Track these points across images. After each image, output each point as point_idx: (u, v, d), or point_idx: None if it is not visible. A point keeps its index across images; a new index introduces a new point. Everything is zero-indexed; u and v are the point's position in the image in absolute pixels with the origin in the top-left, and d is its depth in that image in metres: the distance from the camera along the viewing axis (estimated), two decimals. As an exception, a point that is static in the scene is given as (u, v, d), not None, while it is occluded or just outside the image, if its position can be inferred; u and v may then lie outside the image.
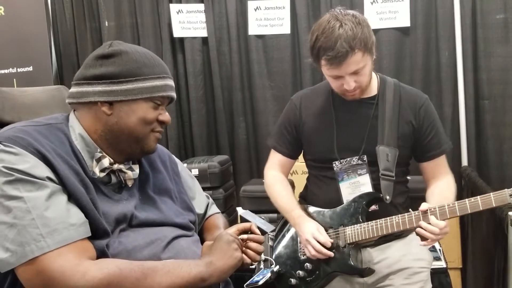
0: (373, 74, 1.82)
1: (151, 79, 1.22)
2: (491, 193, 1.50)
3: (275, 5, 3.28)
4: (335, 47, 1.57)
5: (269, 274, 1.48)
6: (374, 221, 1.67)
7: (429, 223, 1.54)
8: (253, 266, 1.46)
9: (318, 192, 1.87)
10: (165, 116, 1.27)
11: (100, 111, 1.20)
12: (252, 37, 3.32)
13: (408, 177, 1.90)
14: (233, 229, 1.39)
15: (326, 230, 1.74)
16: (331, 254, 1.66)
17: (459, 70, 3.02)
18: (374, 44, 1.68)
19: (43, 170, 1.07)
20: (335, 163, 1.78)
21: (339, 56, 1.57)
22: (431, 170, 1.82)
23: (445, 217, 1.55)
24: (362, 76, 1.67)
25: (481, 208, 1.50)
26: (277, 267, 1.76)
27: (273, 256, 1.82)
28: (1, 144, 1.08)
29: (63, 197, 1.07)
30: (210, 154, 3.36)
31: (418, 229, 1.57)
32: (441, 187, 1.77)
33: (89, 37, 3.55)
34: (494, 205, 1.49)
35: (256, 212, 2.11)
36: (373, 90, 1.81)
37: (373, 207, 1.76)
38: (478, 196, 1.51)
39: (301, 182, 2.01)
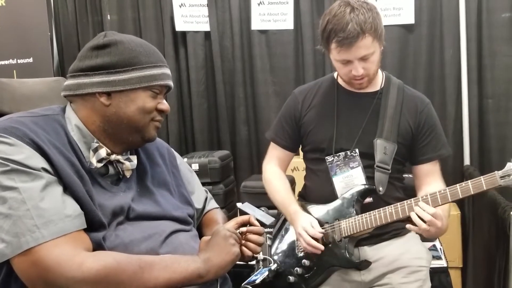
0: (379, 70, 1.83)
1: (149, 67, 1.21)
2: (482, 177, 1.49)
3: (279, 0, 3.26)
4: (347, 29, 1.59)
5: (266, 273, 1.48)
6: (367, 213, 1.67)
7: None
8: (253, 262, 1.44)
9: (314, 188, 1.87)
10: (164, 104, 1.27)
11: (98, 102, 1.19)
12: (255, 32, 3.30)
13: (405, 175, 1.89)
14: (232, 223, 1.38)
15: (322, 225, 1.73)
16: (321, 247, 1.66)
17: (463, 68, 3.00)
18: (384, 34, 1.69)
19: (38, 161, 1.05)
20: (327, 158, 1.78)
21: (350, 38, 1.59)
22: (424, 175, 1.80)
23: (437, 203, 1.54)
24: (370, 63, 1.68)
25: (472, 192, 1.49)
26: (275, 265, 1.75)
27: (272, 255, 1.82)
28: None
29: (59, 188, 1.06)
30: (211, 149, 3.35)
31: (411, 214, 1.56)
32: (432, 188, 1.71)
33: (91, 31, 3.55)
34: (485, 188, 1.48)
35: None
36: (378, 85, 1.83)
37: (368, 200, 1.76)
38: (469, 180, 1.50)
39: (302, 178, 2.00)
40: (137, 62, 1.20)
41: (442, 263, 2.29)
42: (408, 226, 1.58)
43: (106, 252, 1.09)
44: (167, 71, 1.27)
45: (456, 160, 3.01)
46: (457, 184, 1.52)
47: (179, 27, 3.36)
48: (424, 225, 1.52)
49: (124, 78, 1.18)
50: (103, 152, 1.19)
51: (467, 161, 3.01)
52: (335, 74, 1.88)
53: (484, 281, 2.47)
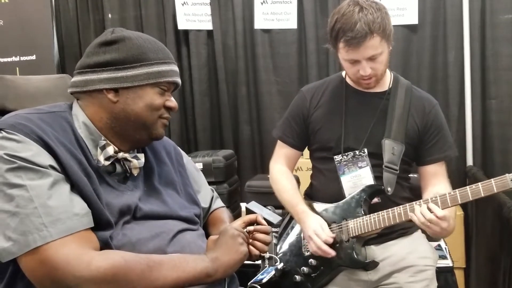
0: (387, 70, 1.82)
1: (157, 64, 1.20)
2: (492, 179, 1.47)
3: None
4: (355, 28, 1.59)
5: (273, 272, 1.46)
6: (376, 213, 1.67)
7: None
8: (258, 262, 1.43)
9: (321, 187, 1.86)
10: (172, 102, 1.26)
11: (105, 99, 1.18)
12: (258, 31, 3.29)
13: (410, 175, 1.88)
14: (239, 221, 1.37)
15: (330, 225, 1.73)
16: (332, 252, 1.65)
17: (466, 69, 2.99)
18: (392, 34, 1.69)
19: (46, 158, 1.04)
20: (335, 157, 1.77)
21: (358, 37, 1.59)
22: (430, 176, 1.79)
23: (446, 205, 1.53)
24: (378, 64, 1.68)
25: (482, 195, 1.48)
26: (281, 264, 1.74)
27: (278, 253, 1.81)
28: (4, 131, 1.05)
29: (66, 186, 1.05)
30: (214, 149, 3.33)
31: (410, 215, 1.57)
32: (438, 189, 1.71)
33: (92, 29, 3.53)
34: (495, 191, 1.46)
35: (260, 208, 2.08)
36: (386, 85, 1.82)
37: (375, 200, 1.75)
38: (479, 183, 1.49)
39: (306, 178, 2.00)
40: (145, 59, 1.19)
41: (447, 262, 2.29)
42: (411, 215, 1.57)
43: (114, 251, 1.07)
44: (175, 68, 1.26)
45: (459, 160, 3.00)
46: (467, 186, 1.51)
47: (182, 25, 3.34)
48: (425, 223, 1.52)
49: (132, 74, 1.17)
50: (110, 149, 1.17)
51: (470, 161, 3.01)
52: (343, 73, 1.87)
53: (487, 282, 2.47)
